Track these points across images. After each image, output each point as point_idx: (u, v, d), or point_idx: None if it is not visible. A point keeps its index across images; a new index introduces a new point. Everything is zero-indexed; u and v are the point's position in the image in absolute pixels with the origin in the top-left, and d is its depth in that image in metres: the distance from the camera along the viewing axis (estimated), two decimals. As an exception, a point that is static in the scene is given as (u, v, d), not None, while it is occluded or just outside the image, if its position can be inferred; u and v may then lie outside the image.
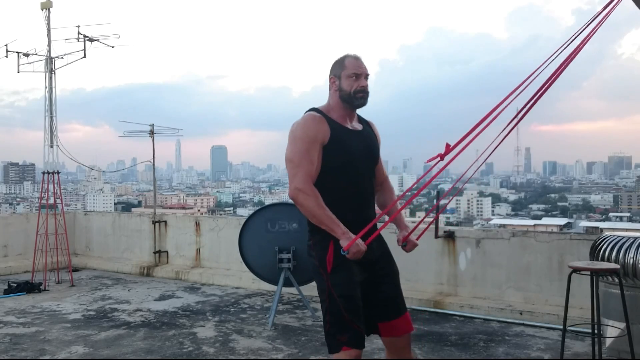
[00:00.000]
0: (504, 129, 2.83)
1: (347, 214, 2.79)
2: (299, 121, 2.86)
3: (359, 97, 2.88)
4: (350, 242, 2.65)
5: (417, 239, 3.03)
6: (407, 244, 3.01)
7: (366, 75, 2.90)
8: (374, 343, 4.52)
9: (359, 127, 2.99)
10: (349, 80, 2.87)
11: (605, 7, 2.81)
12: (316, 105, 2.97)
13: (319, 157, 2.79)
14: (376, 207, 3.07)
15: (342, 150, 2.81)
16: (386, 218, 3.09)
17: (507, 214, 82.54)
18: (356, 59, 2.91)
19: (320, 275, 2.80)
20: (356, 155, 2.86)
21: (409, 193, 3.01)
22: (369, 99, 2.90)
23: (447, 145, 2.65)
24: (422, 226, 3.42)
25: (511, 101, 2.73)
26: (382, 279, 2.90)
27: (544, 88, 2.73)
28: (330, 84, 2.94)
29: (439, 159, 2.64)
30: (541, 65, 2.77)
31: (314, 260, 2.84)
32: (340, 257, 2.72)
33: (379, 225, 2.92)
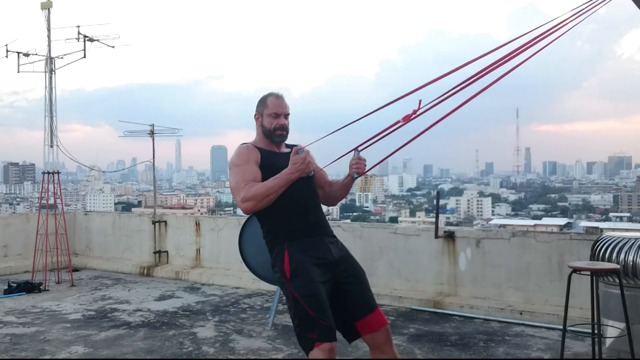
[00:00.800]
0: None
1: (294, 222, 3.00)
2: (233, 154, 3.12)
3: (278, 134, 3.12)
4: (294, 167, 2.86)
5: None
6: (356, 168, 3.12)
7: (286, 115, 3.14)
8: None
9: (286, 150, 3.18)
10: (269, 119, 3.11)
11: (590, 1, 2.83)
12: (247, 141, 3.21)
13: (258, 171, 3.01)
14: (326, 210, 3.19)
15: (272, 170, 2.97)
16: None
17: (507, 214, 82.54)
18: (277, 98, 3.15)
19: (283, 284, 2.93)
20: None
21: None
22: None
23: (419, 102, 2.88)
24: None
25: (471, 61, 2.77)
26: (347, 279, 3.00)
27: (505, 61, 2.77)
28: (255, 120, 3.20)
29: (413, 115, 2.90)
30: (516, 39, 2.84)
31: (278, 275, 2.97)
32: (295, 262, 2.88)
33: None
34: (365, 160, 3.13)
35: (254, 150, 3.09)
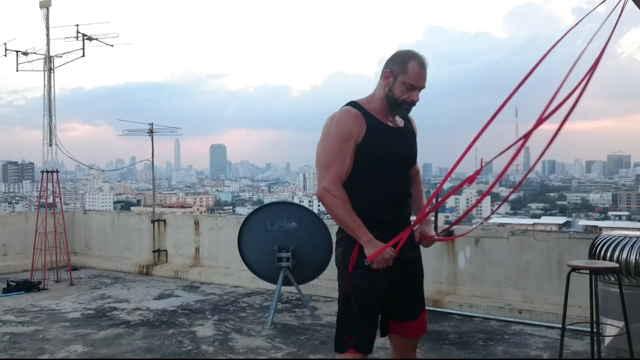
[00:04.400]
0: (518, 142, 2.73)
1: (380, 213, 2.71)
2: (335, 115, 2.70)
3: (405, 107, 2.72)
4: (375, 252, 2.58)
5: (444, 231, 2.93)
6: (423, 241, 2.88)
7: (422, 88, 2.71)
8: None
9: (400, 123, 2.81)
10: (403, 88, 2.66)
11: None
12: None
13: (351, 157, 2.65)
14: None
15: (377, 148, 2.65)
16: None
17: (506, 213, 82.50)
18: (421, 67, 2.66)
19: (341, 273, 2.73)
20: (393, 154, 2.71)
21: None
22: None
23: (482, 161, 2.63)
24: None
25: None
26: (404, 281, 2.81)
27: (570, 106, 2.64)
28: (383, 76, 2.71)
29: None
30: (536, 65, 2.70)
31: (339, 258, 2.76)
32: (362, 260, 2.66)
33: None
34: (431, 242, 2.85)
35: (359, 123, 2.64)
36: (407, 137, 2.81)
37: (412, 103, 2.70)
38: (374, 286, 2.67)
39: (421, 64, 2.66)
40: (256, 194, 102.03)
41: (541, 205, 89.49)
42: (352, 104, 2.76)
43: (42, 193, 8.21)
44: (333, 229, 6.01)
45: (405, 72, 2.64)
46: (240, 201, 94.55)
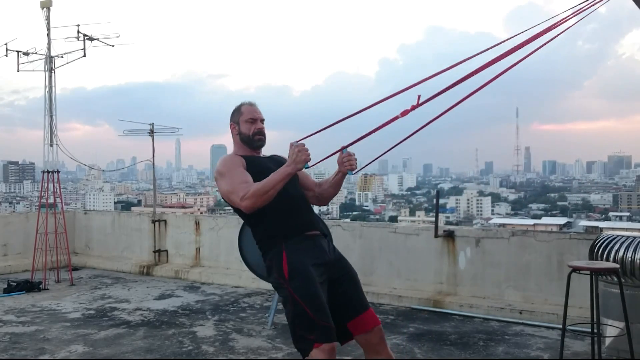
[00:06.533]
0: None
1: (289, 222, 2.99)
2: (217, 164, 3.16)
3: (257, 139, 3.18)
4: (294, 160, 2.84)
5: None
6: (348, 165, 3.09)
7: (262, 120, 3.21)
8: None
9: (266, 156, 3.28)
10: (247, 125, 3.17)
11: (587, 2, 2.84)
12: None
13: (248, 174, 3.00)
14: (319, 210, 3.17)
15: (260, 173, 2.99)
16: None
17: (506, 214, 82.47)
18: (251, 105, 3.23)
19: (281, 286, 2.90)
20: (271, 171, 3.00)
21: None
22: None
23: (418, 97, 2.88)
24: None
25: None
26: (341, 278, 3.00)
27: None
28: (231, 130, 3.24)
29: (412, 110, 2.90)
30: (516, 35, 2.85)
31: (275, 277, 2.94)
32: (294, 262, 2.86)
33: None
34: (354, 156, 3.09)
35: (237, 157, 3.12)
36: (276, 161, 3.18)
37: (260, 132, 3.18)
38: (313, 282, 2.83)
39: (250, 103, 3.25)
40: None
41: (542, 205, 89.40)
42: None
43: (42, 193, 8.21)
44: (334, 230, 6.02)
45: (241, 114, 3.20)
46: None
